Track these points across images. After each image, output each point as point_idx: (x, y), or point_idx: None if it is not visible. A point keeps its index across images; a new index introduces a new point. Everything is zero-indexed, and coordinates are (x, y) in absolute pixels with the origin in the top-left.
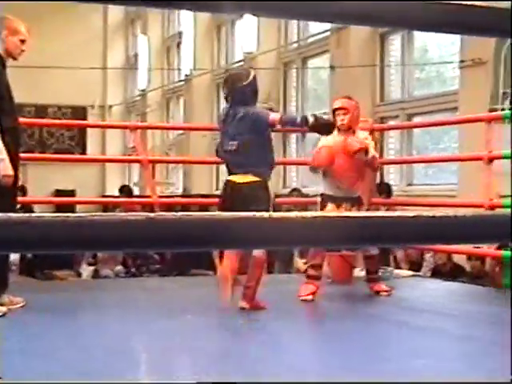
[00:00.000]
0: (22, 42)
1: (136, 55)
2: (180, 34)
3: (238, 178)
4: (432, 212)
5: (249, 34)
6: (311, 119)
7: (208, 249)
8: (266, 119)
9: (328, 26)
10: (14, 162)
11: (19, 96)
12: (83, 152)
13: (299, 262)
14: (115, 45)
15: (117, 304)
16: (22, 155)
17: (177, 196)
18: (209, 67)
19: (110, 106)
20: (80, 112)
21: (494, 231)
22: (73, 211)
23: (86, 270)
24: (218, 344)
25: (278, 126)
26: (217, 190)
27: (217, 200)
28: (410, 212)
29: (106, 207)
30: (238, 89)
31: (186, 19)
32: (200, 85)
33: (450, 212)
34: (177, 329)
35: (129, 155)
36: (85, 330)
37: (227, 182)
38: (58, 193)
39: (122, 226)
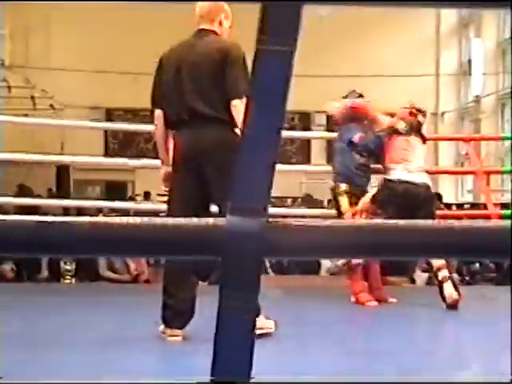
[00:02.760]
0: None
1: (469, 60)
2: None
3: None
4: None
5: None
6: None
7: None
8: None
9: None
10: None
11: None
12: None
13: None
14: (448, 50)
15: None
16: None
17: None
18: None
19: (443, 113)
20: None
21: None
22: None
23: (420, 277)
24: None
25: None
26: None
27: None
28: None
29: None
30: None
31: None
32: None
33: None
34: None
35: (461, 163)
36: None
37: None
38: None
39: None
